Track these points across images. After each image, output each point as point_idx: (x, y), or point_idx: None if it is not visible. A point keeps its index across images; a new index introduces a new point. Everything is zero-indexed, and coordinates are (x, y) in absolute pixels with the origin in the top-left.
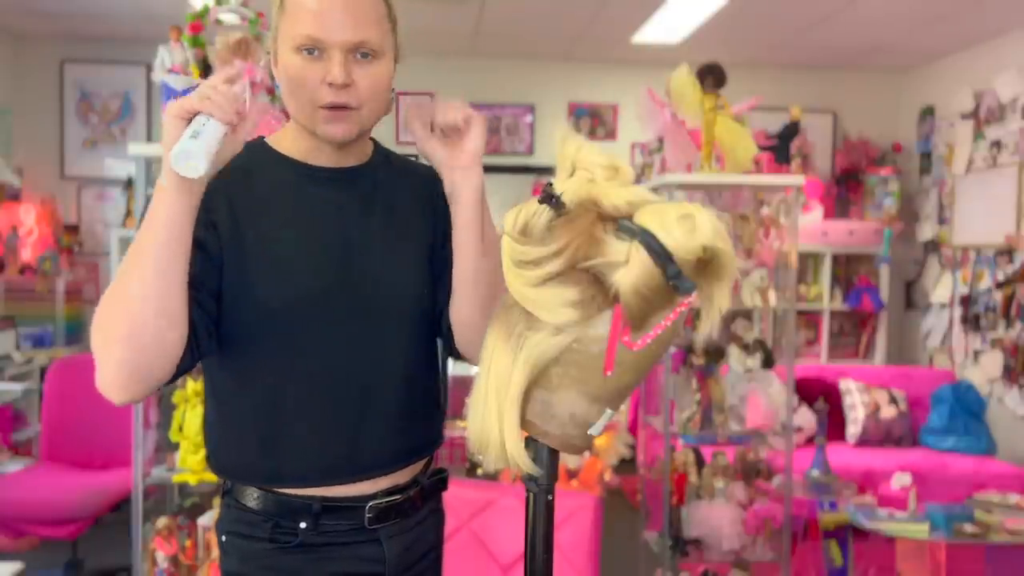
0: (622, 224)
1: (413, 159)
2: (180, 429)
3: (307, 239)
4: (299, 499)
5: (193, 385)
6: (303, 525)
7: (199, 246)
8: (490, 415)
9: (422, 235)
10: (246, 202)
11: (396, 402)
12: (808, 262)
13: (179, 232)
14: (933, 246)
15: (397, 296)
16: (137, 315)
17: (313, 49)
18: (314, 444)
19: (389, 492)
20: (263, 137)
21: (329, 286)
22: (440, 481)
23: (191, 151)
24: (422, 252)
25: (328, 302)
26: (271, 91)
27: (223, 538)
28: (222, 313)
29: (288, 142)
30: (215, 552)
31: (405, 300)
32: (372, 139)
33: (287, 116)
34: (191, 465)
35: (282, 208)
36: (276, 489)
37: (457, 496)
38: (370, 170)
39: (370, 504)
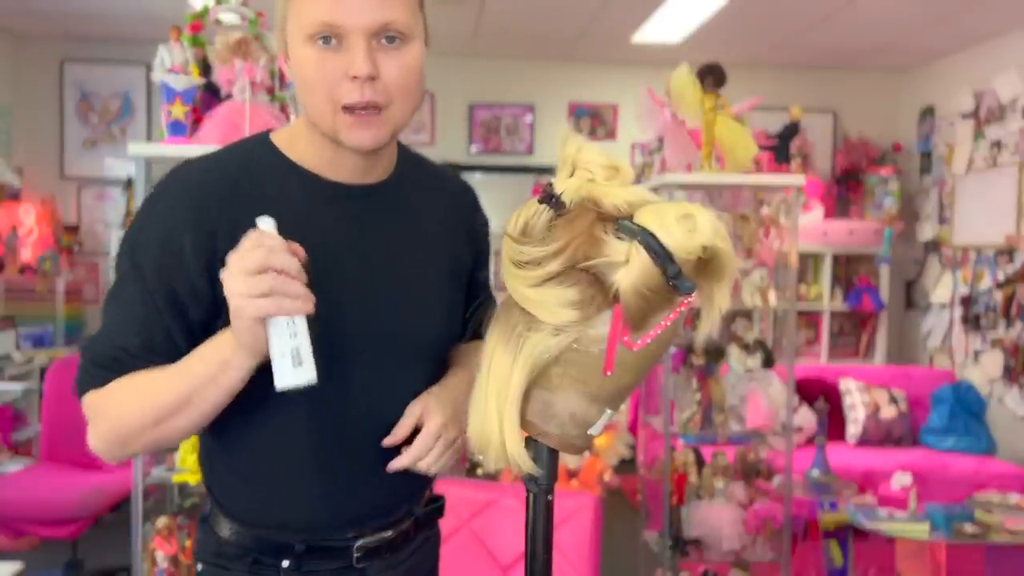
0: (622, 224)
1: (442, 167)
2: None
3: (321, 272)
4: (279, 538)
5: None
6: (285, 564)
7: (181, 311)
8: (490, 415)
9: (454, 259)
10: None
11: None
12: (808, 262)
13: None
14: (933, 246)
15: (420, 335)
16: (170, 439)
17: (329, 37)
18: (317, 493)
19: (379, 528)
20: (268, 133)
21: (344, 326)
22: (436, 510)
23: (302, 370)
24: (453, 279)
25: (343, 343)
26: (271, 90)
27: (199, 566)
28: None
29: (301, 147)
30: None
31: (428, 339)
32: (397, 142)
33: (287, 116)
34: (191, 465)
35: (291, 233)
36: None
37: (457, 496)
38: (396, 184)
39: (358, 544)
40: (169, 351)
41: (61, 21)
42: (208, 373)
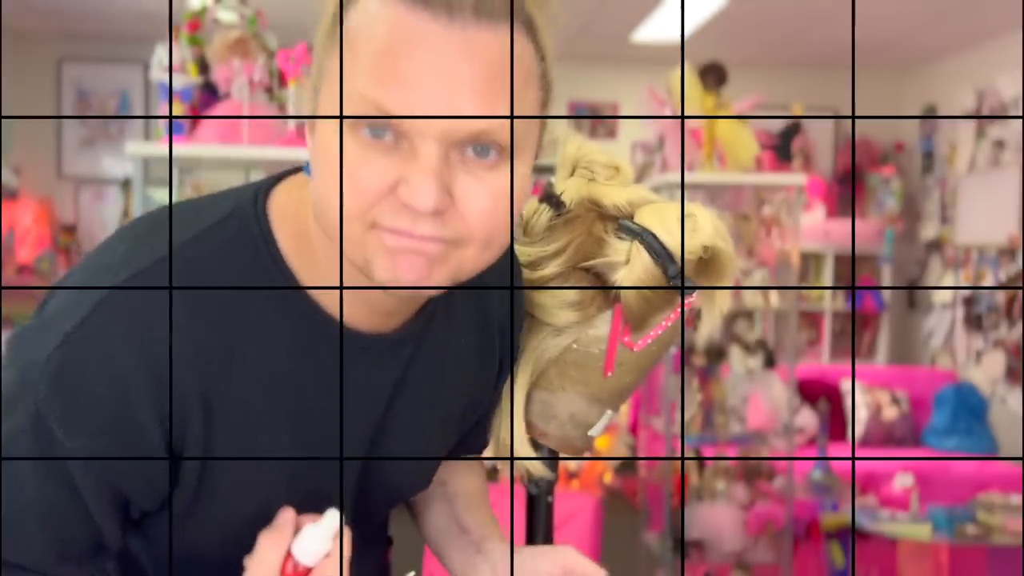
0: (623, 224)
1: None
2: None
3: (298, 441)
4: None
5: None
6: None
7: (122, 509)
8: (499, 417)
9: (472, 405)
10: (229, 402)
11: None
12: (809, 262)
13: None
14: (935, 246)
15: (407, 491)
16: None
17: (383, 131)
18: None
19: None
20: (265, 203)
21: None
22: None
23: None
24: (457, 419)
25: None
26: (269, 89)
27: None
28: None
29: (312, 253)
30: None
31: (417, 490)
32: None
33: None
34: None
35: (279, 403)
36: None
37: None
38: (422, 331)
39: None
40: (94, 565)
41: (59, 20)
42: None
